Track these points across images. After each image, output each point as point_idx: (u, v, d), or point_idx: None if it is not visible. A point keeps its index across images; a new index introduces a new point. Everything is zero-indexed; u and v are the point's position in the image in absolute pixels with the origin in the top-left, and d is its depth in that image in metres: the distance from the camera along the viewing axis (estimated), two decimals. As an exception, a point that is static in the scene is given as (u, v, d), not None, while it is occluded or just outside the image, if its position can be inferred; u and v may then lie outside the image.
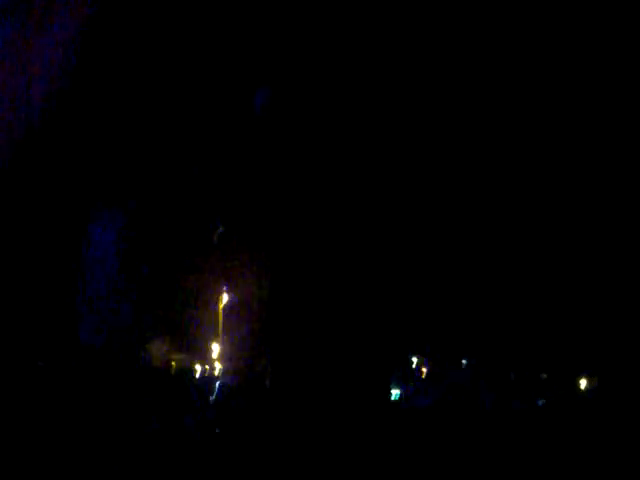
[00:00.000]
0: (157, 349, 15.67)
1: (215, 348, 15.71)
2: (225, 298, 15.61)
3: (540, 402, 15.82)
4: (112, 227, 15.72)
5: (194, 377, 15.70)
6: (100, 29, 14.22)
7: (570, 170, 15.76)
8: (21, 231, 14.97)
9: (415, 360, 16.07)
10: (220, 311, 15.75)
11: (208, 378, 15.66)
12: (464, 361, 15.99)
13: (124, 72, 14.76)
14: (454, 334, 16.04)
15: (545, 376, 16.20)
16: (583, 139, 15.44)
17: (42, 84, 14.53)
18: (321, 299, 15.66)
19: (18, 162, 14.64)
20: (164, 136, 15.45)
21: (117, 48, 14.61)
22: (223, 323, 15.80)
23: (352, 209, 14.90)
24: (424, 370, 16.04)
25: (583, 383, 16.09)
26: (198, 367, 15.71)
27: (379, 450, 14.47)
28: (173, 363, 15.64)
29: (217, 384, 15.45)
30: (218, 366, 15.67)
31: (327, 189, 14.62)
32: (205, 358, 15.77)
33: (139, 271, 15.70)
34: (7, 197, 14.73)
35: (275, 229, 15.58)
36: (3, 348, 14.49)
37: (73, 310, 15.21)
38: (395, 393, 15.72)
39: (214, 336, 15.92)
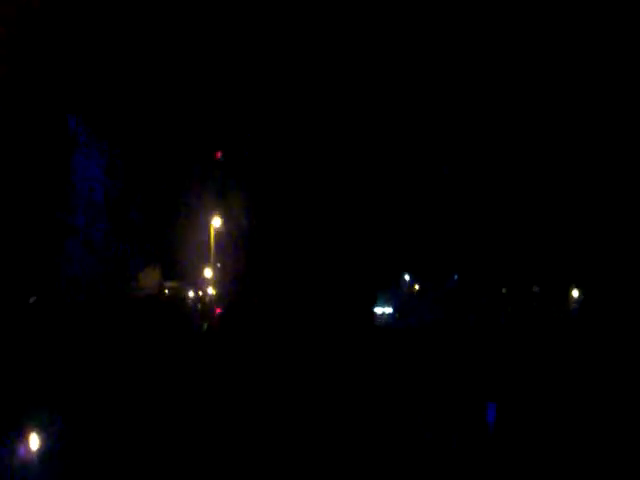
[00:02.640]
0: (149, 276, 15.70)
1: (207, 273, 15.76)
2: (216, 224, 15.51)
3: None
4: (98, 155, 15.39)
5: (186, 301, 15.84)
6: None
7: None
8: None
9: (407, 279, 16.14)
10: (212, 238, 15.65)
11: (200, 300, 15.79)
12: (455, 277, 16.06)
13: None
14: (442, 255, 16.03)
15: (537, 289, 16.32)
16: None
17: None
18: (306, 223, 15.72)
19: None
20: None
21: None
22: (214, 249, 15.76)
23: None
24: (416, 288, 16.14)
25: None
26: (191, 293, 15.82)
27: (363, 367, 14.91)
28: (166, 290, 15.75)
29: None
30: (210, 290, 15.79)
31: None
32: (197, 283, 15.85)
33: (128, 200, 15.50)
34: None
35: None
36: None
37: (60, 243, 15.16)
38: (387, 311, 15.89)
39: (205, 262, 15.93)
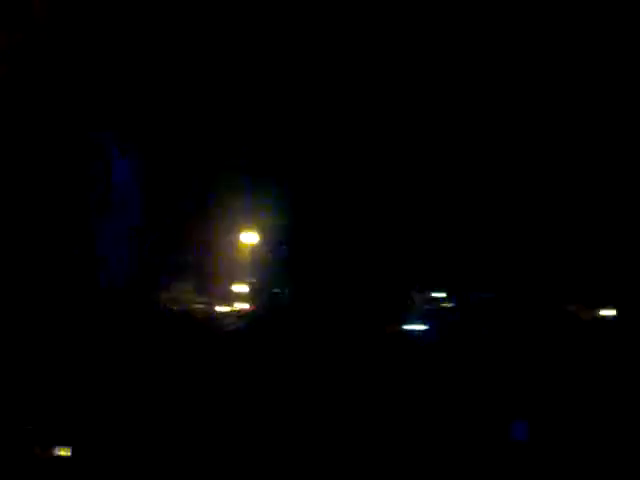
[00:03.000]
0: (179, 290, 15.78)
1: (235, 289, 15.82)
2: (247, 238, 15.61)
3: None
4: (132, 171, 15.57)
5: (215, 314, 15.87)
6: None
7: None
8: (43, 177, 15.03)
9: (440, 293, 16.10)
10: (242, 251, 15.72)
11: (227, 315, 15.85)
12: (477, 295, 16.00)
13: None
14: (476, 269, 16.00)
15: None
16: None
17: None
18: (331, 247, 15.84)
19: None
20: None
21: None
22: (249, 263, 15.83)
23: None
24: (449, 303, 16.09)
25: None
26: (218, 307, 15.85)
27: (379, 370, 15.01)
28: (195, 304, 15.79)
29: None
30: (238, 305, 15.84)
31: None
32: (225, 298, 15.89)
33: (160, 214, 15.65)
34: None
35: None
36: (28, 294, 14.81)
37: (94, 254, 15.32)
38: (420, 327, 15.83)
39: (233, 277, 16.00)
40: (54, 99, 14.84)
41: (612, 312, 16.08)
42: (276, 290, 15.80)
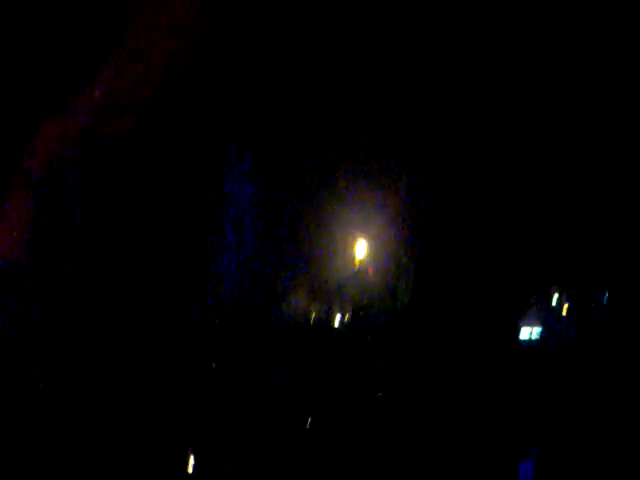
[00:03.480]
0: (297, 300, 16.04)
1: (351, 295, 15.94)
2: (361, 246, 15.63)
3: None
4: (249, 179, 15.77)
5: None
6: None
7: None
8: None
9: (556, 296, 15.66)
10: (357, 259, 15.80)
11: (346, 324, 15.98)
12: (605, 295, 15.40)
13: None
14: (595, 266, 15.38)
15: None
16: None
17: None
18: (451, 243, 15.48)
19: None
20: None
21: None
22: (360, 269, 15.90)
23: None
24: (566, 306, 15.65)
25: None
26: (337, 315, 16.02)
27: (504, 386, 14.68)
28: (313, 313, 16.01)
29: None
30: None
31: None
32: (343, 306, 16.03)
33: (275, 223, 15.89)
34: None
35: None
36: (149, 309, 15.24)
37: (213, 266, 15.63)
38: (535, 331, 15.47)
39: (351, 284, 16.09)
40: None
41: None
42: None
